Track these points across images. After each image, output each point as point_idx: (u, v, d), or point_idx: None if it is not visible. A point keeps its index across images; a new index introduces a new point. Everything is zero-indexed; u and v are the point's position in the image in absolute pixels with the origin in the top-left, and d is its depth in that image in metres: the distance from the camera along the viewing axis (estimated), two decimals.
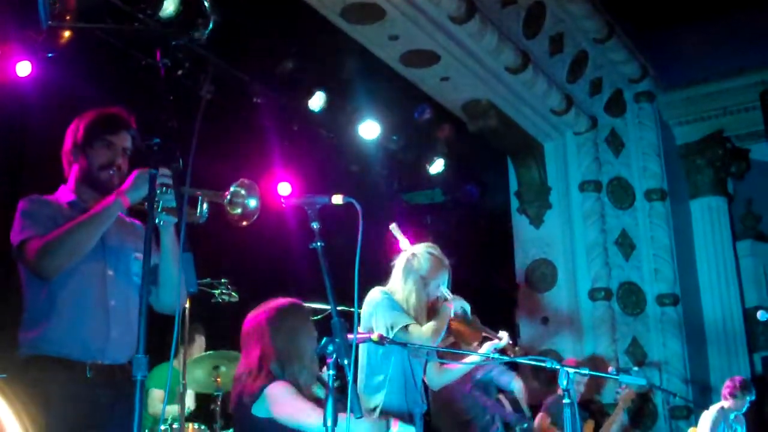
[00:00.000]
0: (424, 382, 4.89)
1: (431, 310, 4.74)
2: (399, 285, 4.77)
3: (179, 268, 3.45)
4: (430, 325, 4.59)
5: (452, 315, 4.69)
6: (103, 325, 3.37)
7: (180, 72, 6.73)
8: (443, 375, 5.03)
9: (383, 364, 4.64)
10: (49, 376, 3.25)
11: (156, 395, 6.75)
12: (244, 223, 3.32)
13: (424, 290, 4.74)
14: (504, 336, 4.87)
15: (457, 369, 5.03)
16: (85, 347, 3.31)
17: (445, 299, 4.75)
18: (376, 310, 4.65)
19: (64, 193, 3.56)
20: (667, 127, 11.29)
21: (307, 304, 4.22)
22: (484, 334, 4.89)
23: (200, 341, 7.26)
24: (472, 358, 4.99)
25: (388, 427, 3.56)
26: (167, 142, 3.02)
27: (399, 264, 4.84)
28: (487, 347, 4.86)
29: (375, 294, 4.72)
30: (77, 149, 3.55)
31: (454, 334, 4.86)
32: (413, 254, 4.84)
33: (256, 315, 4.00)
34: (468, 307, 4.79)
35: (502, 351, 4.91)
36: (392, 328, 4.56)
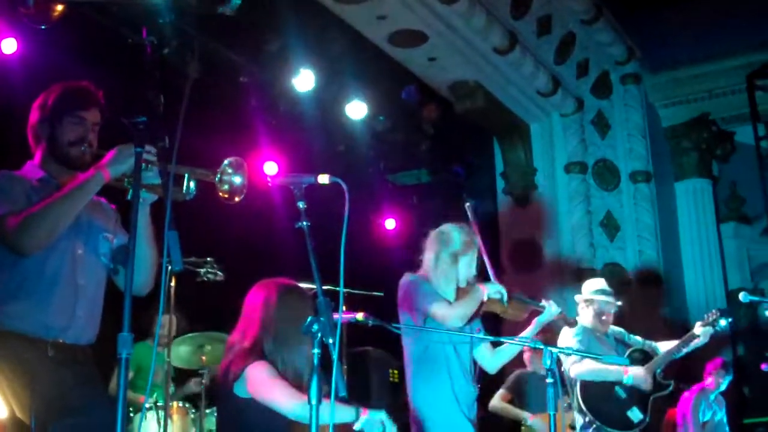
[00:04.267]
0: (475, 364, 4.83)
1: (463, 292, 4.68)
2: (430, 264, 4.76)
3: (149, 247, 3.44)
4: (456, 306, 4.57)
5: (485, 299, 4.60)
6: (70, 303, 3.32)
7: (166, 50, 6.70)
8: (496, 356, 4.91)
9: (424, 357, 4.65)
10: (10, 352, 3.18)
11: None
12: (236, 199, 3.32)
13: (454, 267, 4.71)
14: (549, 306, 4.78)
15: (510, 347, 4.90)
16: (48, 325, 3.25)
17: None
18: (405, 297, 4.68)
19: (32, 170, 3.46)
20: (653, 109, 11.34)
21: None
22: (532, 309, 4.81)
23: (174, 322, 7.27)
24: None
25: (357, 415, 3.56)
26: (153, 121, 3.00)
27: (428, 244, 4.82)
28: (533, 325, 4.80)
29: (403, 280, 4.74)
30: (45, 124, 3.46)
31: (501, 316, 4.80)
32: (441, 232, 4.82)
33: (262, 291, 3.98)
34: (504, 292, 4.67)
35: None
36: (419, 312, 4.59)
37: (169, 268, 3.08)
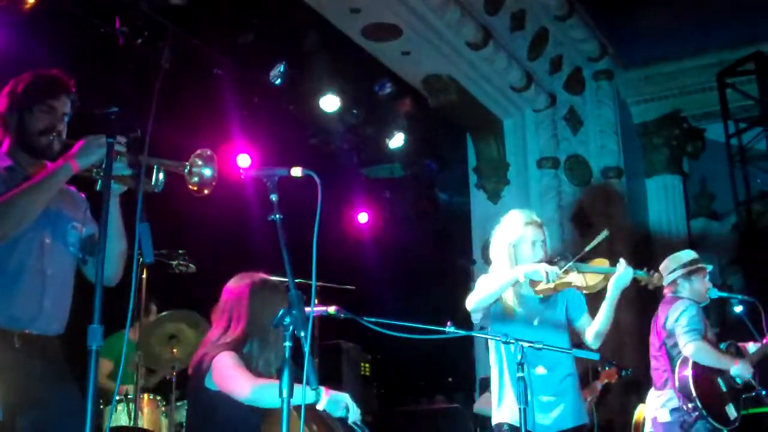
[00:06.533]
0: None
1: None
2: (494, 260, 4.73)
3: (117, 239, 3.41)
4: (475, 292, 4.53)
5: (522, 280, 4.46)
6: (37, 294, 3.28)
7: (139, 41, 6.65)
8: (598, 326, 4.61)
9: (498, 351, 4.61)
10: None
11: (102, 366, 6.74)
12: (205, 191, 3.30)
13: (512, 254, 4.62)
14: (621, 265, 4.52)
15: (606, 310, 4.60)
16: (15, 316, 3.21)
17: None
18: None
19: (0, 158, 3.42)
20: (625, 106, 11.42)
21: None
22: (603, 276, 4.54)
23: (154, 311, 7.25)
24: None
25: (317, 396, 3.57)
26: (125, 111, 2.98)
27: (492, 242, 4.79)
28: (609, 291, 4.53)
29: None
30: (14, 113, 3.40)
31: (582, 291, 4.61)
32: (497, 228, 4.77)
33: (246, 286, 3.95)
34: (547, 271, 4.42)
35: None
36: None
37: (141, 259, 3.07)
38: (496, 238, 4.75)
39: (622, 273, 4.50)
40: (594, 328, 4.62)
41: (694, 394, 5.60)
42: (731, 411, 5.71)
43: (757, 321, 6.03)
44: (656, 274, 4.60)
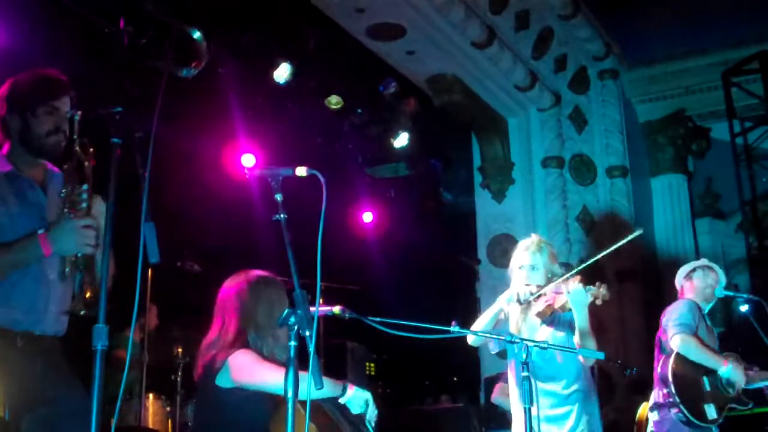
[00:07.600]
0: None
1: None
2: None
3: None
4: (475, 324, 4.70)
5: (505, 306, 4.69)
6: (42, 299, 3.30)
7: (143, 40, 6.66)
8: (577, 337, 4.64)
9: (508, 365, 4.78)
10: None
11: None
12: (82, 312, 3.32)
13: (515, 277, 4.80)
14: (570, 283, 4.53)
15: (576, 326, 4.63)
16: (18, 319, 3.24)
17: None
18: None
19: (0, 162, 3.41)
20: (630, 105, 11.41)
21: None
22: (555, 293, 4.62)
23: (153, 309, 7.27)
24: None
25: (344, 391, 3.61)
26: (129, 111, 2.98)
27: None
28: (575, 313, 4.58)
29: None
30: (16, 116, 3.40)
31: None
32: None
33: (236, 284, 3.98)
34: (518, 294, 4.64)
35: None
36: None
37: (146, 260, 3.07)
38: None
39: (571, 290, 4.53)
40: (576, 339, 4.65)
41: (671, 379, 5.62)
42: (711, 411, 5.67)
43: (762, 320, 6.03)
44: (602, 288, 4.53)
